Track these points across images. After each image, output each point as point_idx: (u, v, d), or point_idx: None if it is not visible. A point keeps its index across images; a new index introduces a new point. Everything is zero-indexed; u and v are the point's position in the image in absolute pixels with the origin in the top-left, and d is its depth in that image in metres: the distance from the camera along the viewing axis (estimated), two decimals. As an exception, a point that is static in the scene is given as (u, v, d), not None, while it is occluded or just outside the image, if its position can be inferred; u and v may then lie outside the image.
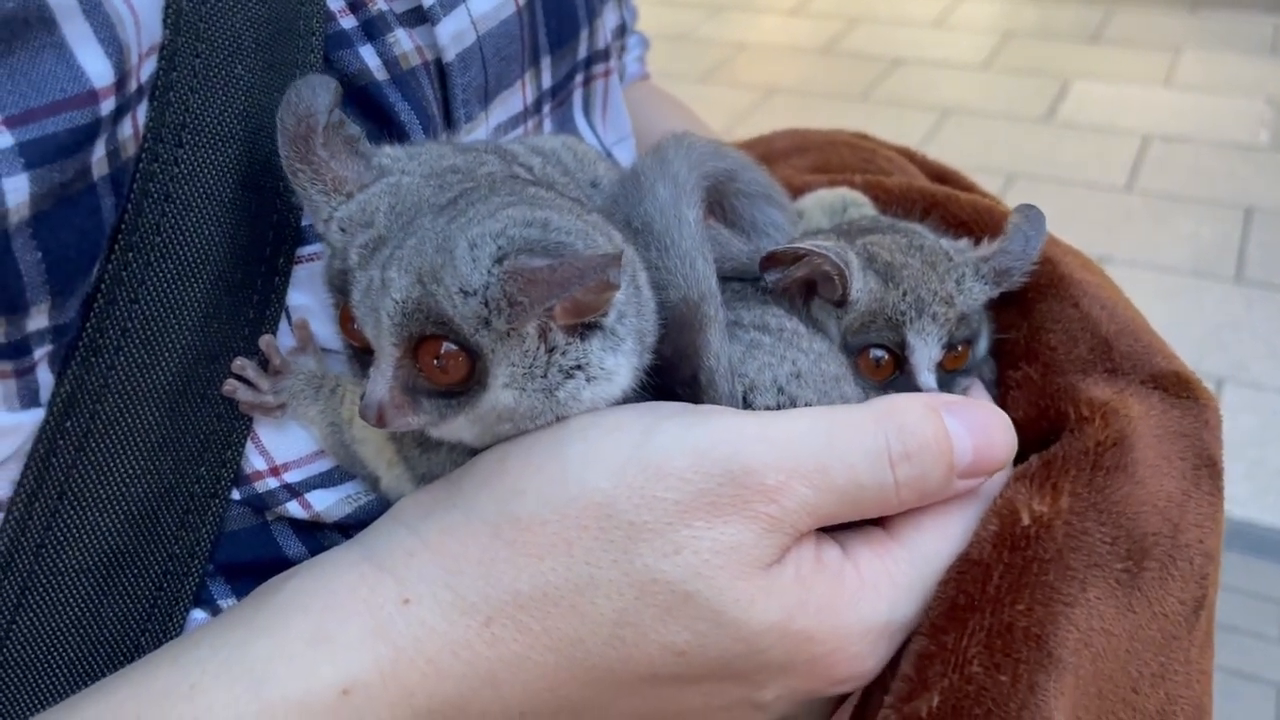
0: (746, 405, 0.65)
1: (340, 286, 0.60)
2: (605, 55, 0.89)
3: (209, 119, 0.60)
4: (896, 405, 0.62)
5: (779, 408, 0.65)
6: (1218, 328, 3.31)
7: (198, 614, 0.66)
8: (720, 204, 0.74)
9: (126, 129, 0.56)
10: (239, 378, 0.64)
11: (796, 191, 0.88)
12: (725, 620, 0.57)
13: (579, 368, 0.58)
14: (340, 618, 0.57)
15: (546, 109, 0.82)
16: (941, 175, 0.97)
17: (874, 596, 0.61)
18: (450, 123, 0.71)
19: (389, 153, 0.63)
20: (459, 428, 0.59)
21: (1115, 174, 4.06)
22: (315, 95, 0.58)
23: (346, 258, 0.59)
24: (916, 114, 4.51)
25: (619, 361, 0.59)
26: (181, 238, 0.60)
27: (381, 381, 0.56)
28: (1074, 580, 0.60)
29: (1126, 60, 4.90)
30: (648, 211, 0.66)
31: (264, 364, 0.65)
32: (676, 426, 0.59)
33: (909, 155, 0.99)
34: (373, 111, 0.67)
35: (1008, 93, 4.67)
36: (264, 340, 0.65)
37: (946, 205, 0.82)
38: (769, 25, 5.51)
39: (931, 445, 0.61)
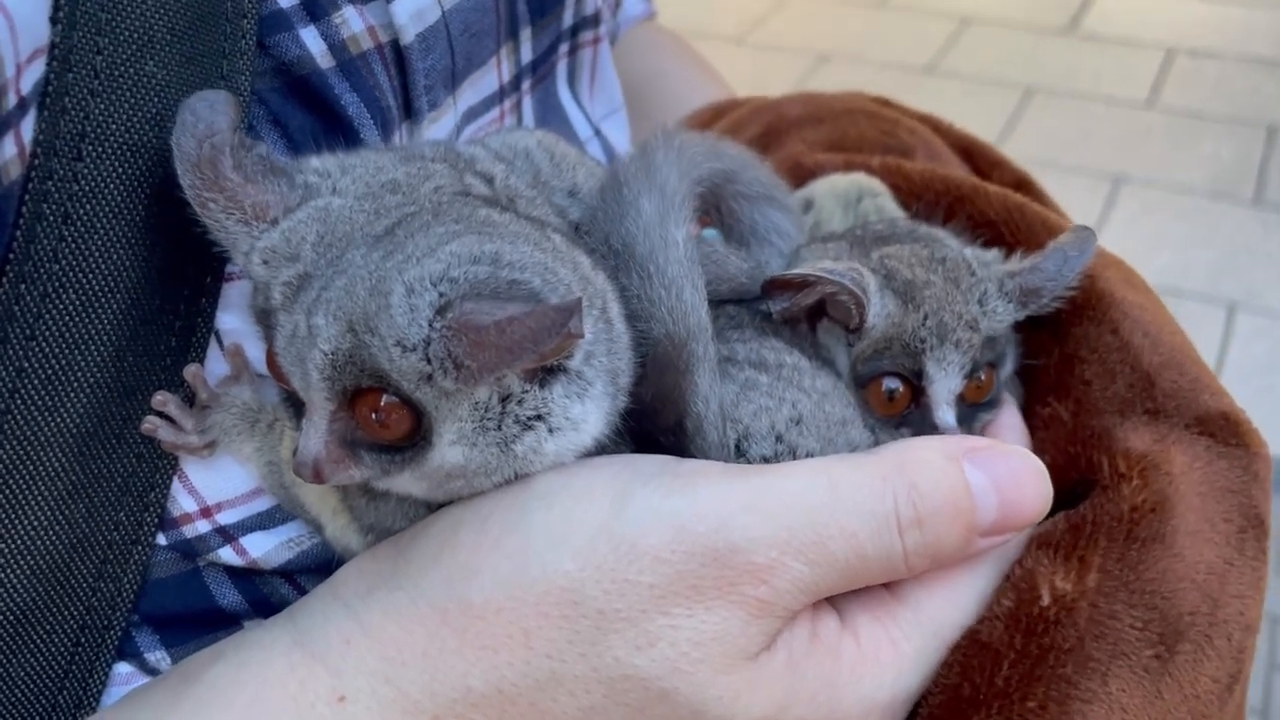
0: (740, 455, 0.57)
1: (267, 324, 0.52)
2: (595, 20, 0.78)
3: (114, 126, 0.51)
4: (909, 457, 0.54)
5: (776, 457, 0.57)
6: (1233, 252, 3.19)
7: (122, 667, 0.60)
8: (717, 207, 0.66)
9: (9, 149, 0.48)
10: (160, 414, 0.56)
11: (807, 173, 0.79)
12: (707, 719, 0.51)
13: (539, 418, 0.50)
14: (266, 715, 0.50)
15: (526, 85, 0.72)
16: (968, 148, 0.89)
17: (875, 670, 0.55)
18: (410, 113, 0.62)
19: (316, 167, 0.54)
20: (406, 483, 0.52)
21: (1136, 89, 3.88)
22: (214, 113, 0.49)
23: (269, 295, 0.50)
24: (935, 21, 4.32)
25: (587, 409, 0.52)
26: (85, 264, 0.51)
27: (315, 435, 0.49)
28: (1094, 673, 0.53)
29: (1155, -34, 4.69)
30: (629, 231, 0.57)
31: (190, 398, 0.57)
32: (654, 494, 0.51)
33: (934, 125, 0.90)
34: (315, 105, 0.58)
35: (1029, 0, 4.48)
36: (189, 371, 0.57)
37: (974, 201, 0.73)
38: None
39: (948, 507, 0.53)
